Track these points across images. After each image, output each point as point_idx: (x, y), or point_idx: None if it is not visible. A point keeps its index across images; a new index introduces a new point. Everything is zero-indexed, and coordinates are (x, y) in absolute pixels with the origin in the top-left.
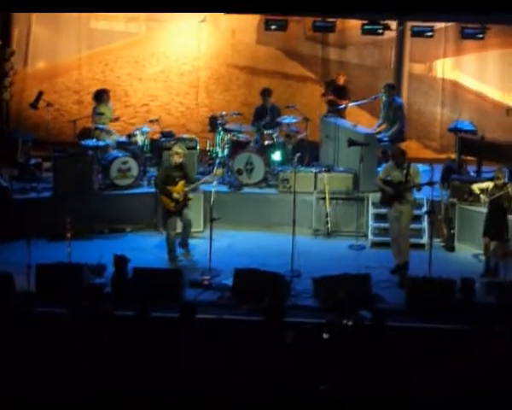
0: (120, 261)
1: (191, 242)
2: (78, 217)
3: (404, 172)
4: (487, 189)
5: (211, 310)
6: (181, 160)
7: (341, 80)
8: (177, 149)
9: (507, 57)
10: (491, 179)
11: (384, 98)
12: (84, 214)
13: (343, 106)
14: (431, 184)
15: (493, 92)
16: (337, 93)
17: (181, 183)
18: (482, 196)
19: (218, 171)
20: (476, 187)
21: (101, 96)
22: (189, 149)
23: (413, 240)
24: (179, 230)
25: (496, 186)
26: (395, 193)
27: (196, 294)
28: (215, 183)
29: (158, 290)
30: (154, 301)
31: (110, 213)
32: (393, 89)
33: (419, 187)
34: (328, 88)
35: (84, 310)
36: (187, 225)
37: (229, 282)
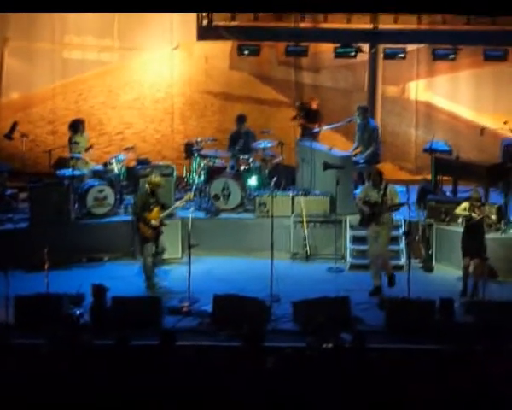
0: (99, 291)
1: (169, 268)
2: (55, 247)
3: (381, 192)
4: (465, 209)
5: (191, 337)
6: (157, 189)
7: (314, 105)
8: (154, 178)
9: (479, 77)
10: (467, 199)
11: (358, 121)
12: (62, 244)
13: (317, 130)
14: (401, 205)
15: (466, 112)
16: (308, 117)
17: (156, 209)
18: (463, 213)
19: (188, 195)
20: (459, 210)
21: (76, 126)
22: (165, 175)
23: (391, 261)
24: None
25: (472, 206)
26: (371, 213)
27: (176, 321)
28: (192, 209)
29: (137, 319)
30: (134, 329)
31: (87, 243)
32: (367, 111)
33: (393, 208)
34: (299, 112)
35: (62, 340)
36: (160, 252)
37: (209, 308)
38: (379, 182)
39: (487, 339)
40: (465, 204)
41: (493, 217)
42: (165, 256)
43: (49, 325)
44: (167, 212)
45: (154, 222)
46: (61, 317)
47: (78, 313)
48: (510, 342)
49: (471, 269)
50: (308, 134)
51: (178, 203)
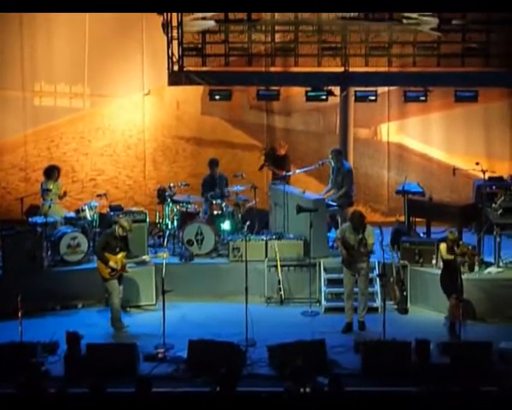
0: (73, 338)
1: (144, 315)
2: (28, 294)
3: (360, 236)
4: (446, 250)
5: (166, 383)
6: (124, 234)
7: (282, 151)
8: (123, 222)
9: (450, 119)
10: (443, 241)
11: (332, 164)
12: (35, 292)
13: (287, 174)
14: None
15: (438, 153)
16: (276, 163)
17: (122, 254)
18: (448, 256)
19: (163, 254)
20: (444, 253)
21: (51, 172)
22: (138, 221)
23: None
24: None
25: (448, 247)
26: (352, 256)
27: (151, 367)
28: (166, 255)
29: (112, 366)
30: (109, 376)
31: (61, 290)
32: (340, 154)
33: (368, 254)
34: (266, 160)
35: (31, 389)
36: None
37: (184, 354)
38: (359, 226)
39: (463, 380)
40: (443, 245)
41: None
42: (138, 303)
43: (20, 374)
44: (133, 260)
45: (112, 264)
46: (25, 365)
47: (40, 360)
48: (485, 382)
49: (448, 308)
50: (278, 179)
51: (148, 257)
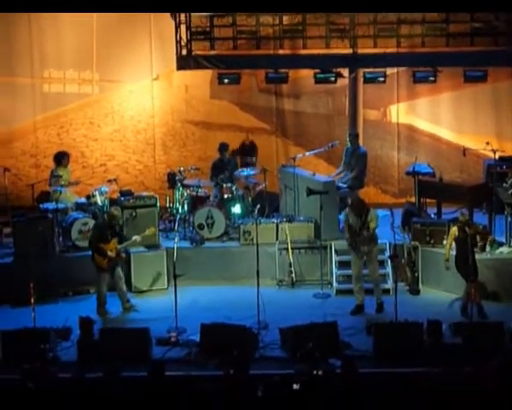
0: (86, 323)
1: (156, 299)
2: (40, 281)
3: (363, 219)
4: (455, 233)
5: (179, 367)
6: (116, 221)
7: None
8: (114, 211)
9: (459, 99)
10: (453, 222)
11: (348, 145)
12: (47, 278)
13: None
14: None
15: (448, 134)
16: (244, 152)
17: (113, 240)
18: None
19: (150, 230)
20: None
21: (61, 158)
22: (148, 206)
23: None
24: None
25: (459, 229)
26: (357, 239)
27: (164, 351)
28: (177, 239)
29: (125, 350)
30: (122, 360)
31: (73, 276)
32: (357, 137)
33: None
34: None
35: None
36: (118, 281)
37: (197, 338)
38: (359, 209)
39: (475, 360)
40: (454, 228)
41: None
42: (150, 287)
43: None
44: (125, 244)
45: (110, 253)
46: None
47: (48, 346)
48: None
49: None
50: (246, 163)
51: (138, 237)
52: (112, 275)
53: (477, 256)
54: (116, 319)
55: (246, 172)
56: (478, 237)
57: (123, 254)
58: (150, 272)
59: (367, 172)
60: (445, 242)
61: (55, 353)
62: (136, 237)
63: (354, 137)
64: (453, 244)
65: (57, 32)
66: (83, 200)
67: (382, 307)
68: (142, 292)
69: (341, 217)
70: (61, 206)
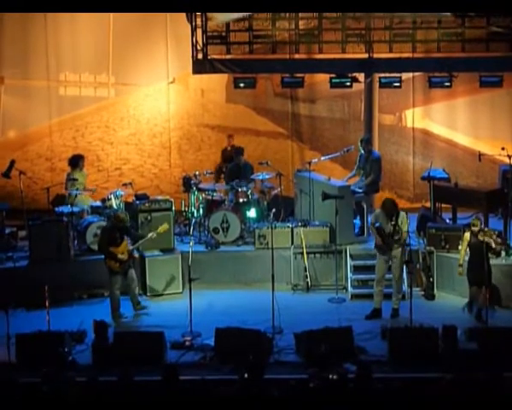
0: (100, 327)
1: (170, 303)
2: (55, 284)
3: (393, 222)
4: (467, 239)
5: (194, 371)
6: (124, 224)
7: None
8: (120, 215)
9: (475, 104)
10: (467, 227)
11: (361, 152)
12: (62, 281)
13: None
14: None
15: (464, 139)
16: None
17: (124, 243)
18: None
19: (162, 227)
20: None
21: (76, 161)
22: (163, 210)
23: (392, 290)
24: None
25: (473, 233)
26: (385, 244)
27: (178, 355)
28: (192, 242)
29: (140, 354)
30: (137, 364)
31: (88, 279)
32: (370, 142)
33: (404, 244)
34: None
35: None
36: (131, 283)
37: (211, 342)
38: (391, 212)
39: (490, 366)
40: (467, 234)
41: (497, 241)
42: (165, 291)
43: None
44: (138, 243)
45: (121, 256)
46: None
47: (67, 350)
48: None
49: (480, 296)
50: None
51: (154, 234)
52: (125, 277)
53: (492, 262)
54: (130, 323)
55: (261, 176)
56: (493, 243)
57: (136, 255)
58: (165, 275)
59: (382, 177)
60: (460, 247)
61: (73, 356)
62: (151, 234)
63: (366, 142)
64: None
65: (73, 34)
66: (98, 203)
67: (398, 312)
68: (157, 296)
69: (357, 221)
70: (76, 209)
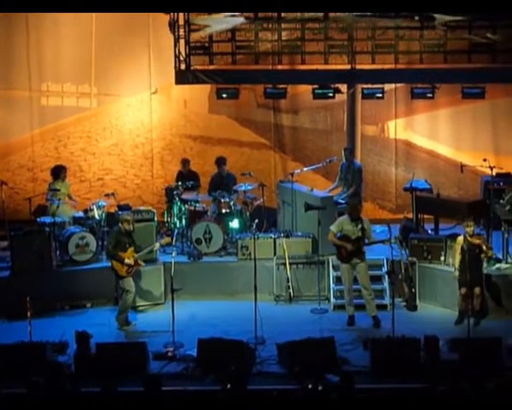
0: (82, 338)
1: (153, 313)
2: (37, 295)
3: (359, 226)
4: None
5: (176, 382)
6: (130, 226)
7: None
8: (125, 216)
9: (457, 115)
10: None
11: (343, 161)
12: (44, 292)
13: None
14: (388, 241)
15: (446, 150)
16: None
17: (130, 249)
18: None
19: (165, 239)
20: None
21: (58, 172)
22: (146, 220)
23: (375, 301)
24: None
25: (466, 237)
26: (355, 249)
27: (161, 366)
28: (174, 253)
29: (122, 365)
30: (119, 375)
31: (70, 290)
32: (352, 152)
33: (379, 242)
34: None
35: (44, 389)
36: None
37: (194, 352)
38: (357, 216)
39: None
40: (460, 238)
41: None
42: (147, 301)
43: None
44: (143, 252)
45: (128, 260)
46: (45, 365)
47: (61, 360)
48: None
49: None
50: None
51: (153, 246)
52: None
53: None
54: (113, 334)
55: (244, 186)
56: (484, 247)
57: (142, 263)
58: (147, 286)
59: (364, 187)
60: (442, 258)
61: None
62: (155, 245)
63: (349, 151)
64: (449, 259)
65: (55, 44)
66: (80, 214)
67: (378, 320)
68: (139, 306)
69: (331, 227)
70: (58, 220)
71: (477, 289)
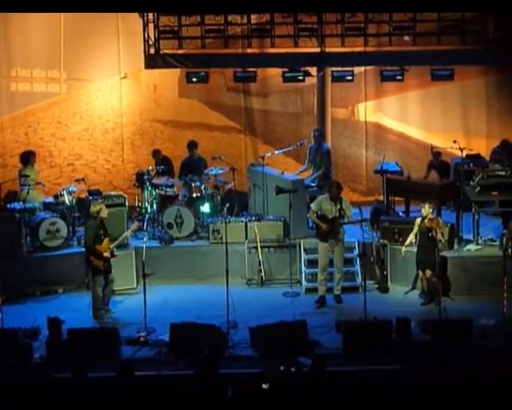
0: (54, 324)
1: (124, 299)
2: (8, 281)
3: (338, 206)
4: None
5: (149, 367)
6: (105, 212)
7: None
8: (97, 207)
9: (427, 97)
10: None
11: (312, 144)
12: (15, 278)
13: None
14: (364, 220)
15: (416, 132)
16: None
17: (106, 240)
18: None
19: (135, 224)
20: (416, 225)
21: (27, 158)
22: (117, 206)
23: (347, 283)
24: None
25: (423, 219)
26: (331, 229)
27: (133, 351)
28: (146, 238)
29: (94, 350)
30: (91, 361)
31: (41, 276)
32: (322, 135)
33: (353, 223)
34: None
35: (15, 372)
36: (110, 283)
37: (166, 337)
38: (337, 195)
39: (444, 357)
40: (418, 219)
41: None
42: (119, 287)
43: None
44: (117, 242)
45: (105, 254)
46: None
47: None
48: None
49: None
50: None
51: (126, 233)
52: (106, 276)
53: (445, 254)
54: (85, 319)
55: (215, 170)
56: (437, 230)
57: (116, 254)
58: (119, 271)
59: (333, 170)
60: (408, 240)
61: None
62: (126, 233)
63: (319, 134)
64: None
65: (24, 30)
66: (50, 199)
67: (340, 298)
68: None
69: (311, 205)
70: (28, 206)
71: (427, 272)
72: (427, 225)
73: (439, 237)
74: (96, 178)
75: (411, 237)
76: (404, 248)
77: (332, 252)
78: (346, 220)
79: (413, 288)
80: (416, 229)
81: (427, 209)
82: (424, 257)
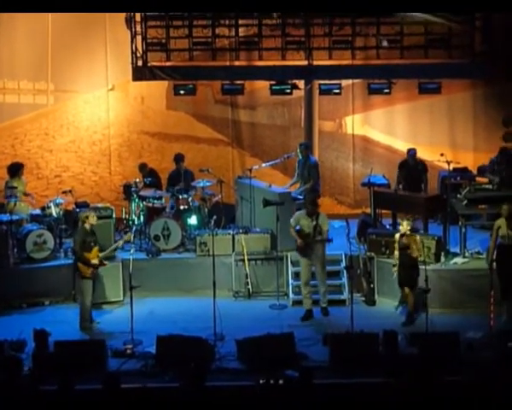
0: (40, 336)
1: (111, 311)
2: None
3: (314, 223)
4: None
5: (135, 379)
6: (94, 219)
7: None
8: (88, 213)
9: (414, 110)
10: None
11: (299, 157)
12: (1, 290)
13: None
14: (329, 241)
15: (403, 145)
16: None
17: (95, 248)
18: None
19: (128, 235)
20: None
21: (15, 169)
22: (104, 217)
23: (333, 296)
24: None
25: (401, 236)
26: (306, 244)
27: (120, 363)
28: (133, 250)
29: (80, 362)
30: (78, 373)
31: (27, 288)
32: (308, 148)
33: (324, 241)
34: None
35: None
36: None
37: (153, 349)
38: (313, 211)
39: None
40: (396, 235)
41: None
42: (106, 299)
43: None
44: (107, 252)
45: (94, 261)
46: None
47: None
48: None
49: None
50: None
51: (117, 243)
52: (94, 285)
53: (432, 266)
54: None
55: (202, 183)
56: (414, 247)
57: (106, 262)
58: (106, 283)
59: (321, 182)
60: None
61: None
62: (118, 243)
63: (305, 147)
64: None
65: (11, 41)
66: (37, 211)
67: (327, 310)
68: (98, 304)
69: (298, 228)
70: (15, 217)
71: (406, 289)
72: (405, 241)
73: (416, 254)
74: (83, 190)
75: (396, 255)
76: (393, 269)
77: (314, 266)
78: (319, 237)
79: (402, 302)
80: (396, 246)
81: (405, 226)
82: (403, 273)
